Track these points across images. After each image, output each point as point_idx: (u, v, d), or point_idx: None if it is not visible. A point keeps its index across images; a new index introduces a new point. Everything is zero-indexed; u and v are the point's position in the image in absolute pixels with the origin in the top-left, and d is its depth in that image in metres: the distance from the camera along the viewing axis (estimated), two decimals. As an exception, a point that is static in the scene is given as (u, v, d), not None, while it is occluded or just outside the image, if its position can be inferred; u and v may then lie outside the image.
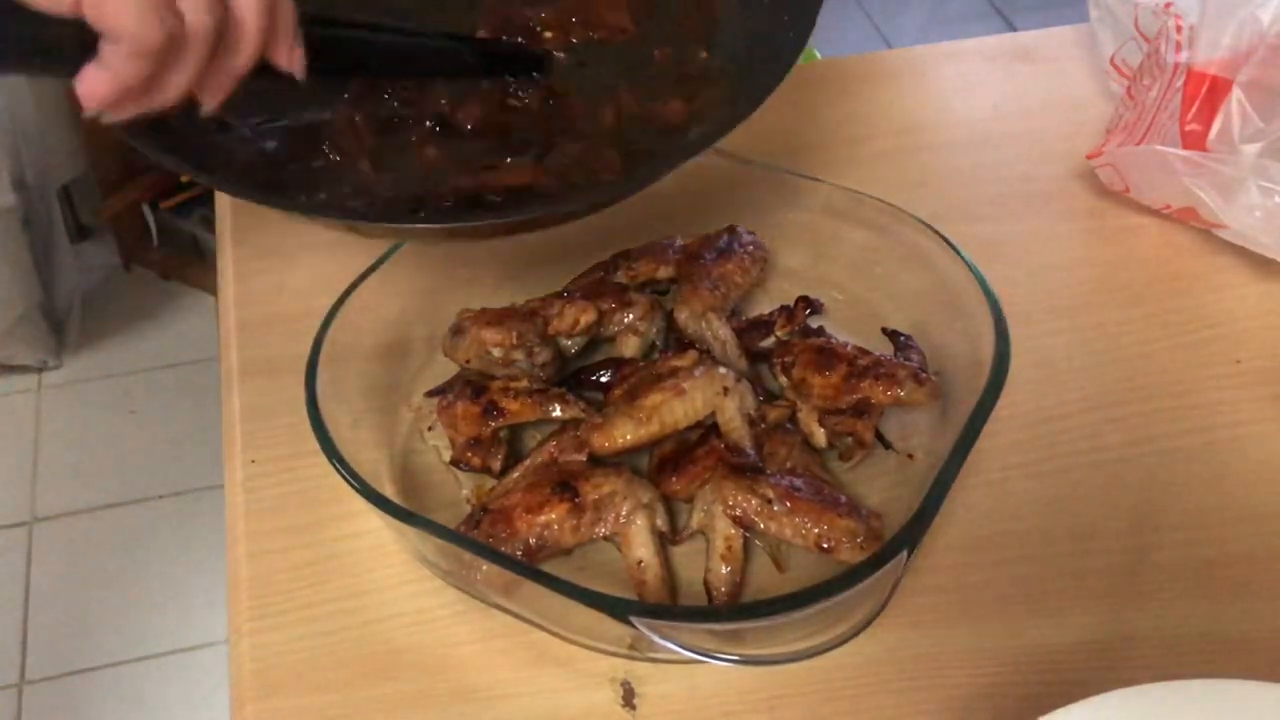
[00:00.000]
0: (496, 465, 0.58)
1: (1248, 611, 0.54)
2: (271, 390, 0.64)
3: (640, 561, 0.54)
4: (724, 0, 0.63)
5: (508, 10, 0.63)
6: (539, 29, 0.63)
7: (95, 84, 0.40)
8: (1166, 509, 0.59)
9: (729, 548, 0.54)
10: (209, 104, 0.44)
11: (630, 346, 0.64)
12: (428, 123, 0.58)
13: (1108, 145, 0.74)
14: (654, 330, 0.64)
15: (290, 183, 0.55)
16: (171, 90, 0.42)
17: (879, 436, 0.59)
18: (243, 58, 0.43)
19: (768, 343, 0.64)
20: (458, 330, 0.61)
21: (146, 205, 2.03)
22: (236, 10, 0.42)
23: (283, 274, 0.71)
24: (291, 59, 0.45)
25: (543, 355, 0.61)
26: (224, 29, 0.42)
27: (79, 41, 0.39)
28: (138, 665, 1.49)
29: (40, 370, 1.83)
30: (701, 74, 0.61)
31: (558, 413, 0.58)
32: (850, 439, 0.59)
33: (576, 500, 0.54)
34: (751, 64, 0.59)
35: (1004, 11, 2.60)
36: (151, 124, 0.46)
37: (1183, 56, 0.70)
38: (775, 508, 0.54)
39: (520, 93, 0.60)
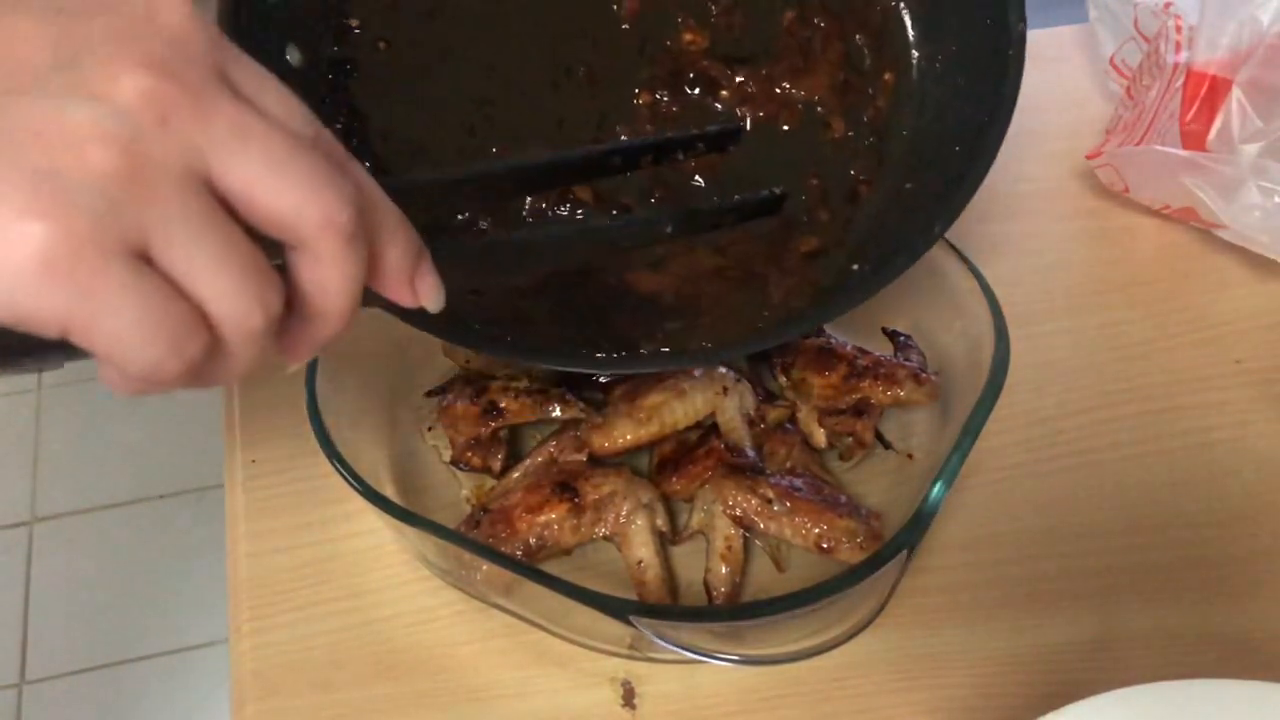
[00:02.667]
0: (496, 465, 0.58)
1: (1248, 611, 0.54)
2: (271, 390, 0.64)
3: (640, 561, 0.54)
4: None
5: (680, 60, 0.58)
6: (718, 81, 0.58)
7: (112, 381, 0.29)
8: (1166, 509, 0.59)
9: (729, 548, 0.54)
10: (291, 365, 0.33)
11: None
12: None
13: (1107, 145, 0.74)
14: None
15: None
16: (222, 377, 0.30)
17: (879, 436, 0.59)
18: (330, 326, 0.31)
19: (767, 343, 0.64)
20: (458, 330, 0.61)
21: (146, 205, 2.03)
22: (304, 281, 0.29)
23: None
24: (417, 294, 0.33)
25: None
26: (294, 303, 0.30)
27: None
28: (138, 665, 1.49)
29: (40, 370, 1.83)
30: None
31: (558, 413, 0.58)
32: (850, 439, 0.59)
33: (576, 500, 0.54)
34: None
35: (1004, 11, 2.60)
36: None
37: (1182, 56, 0.70)
38: (775, 508, 0.54)
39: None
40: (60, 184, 0.25)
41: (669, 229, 0.48)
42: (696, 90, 0.58)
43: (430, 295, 0.33)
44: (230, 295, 0.28)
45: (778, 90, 0.58)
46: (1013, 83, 0.51)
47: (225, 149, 0.27)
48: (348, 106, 0.56)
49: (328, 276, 0.29)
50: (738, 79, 0.58)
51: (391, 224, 0.31)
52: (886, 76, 0.58)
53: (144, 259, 0.26)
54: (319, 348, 0.32)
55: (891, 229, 0.55)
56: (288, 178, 0.28)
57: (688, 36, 0.58)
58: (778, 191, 0.53)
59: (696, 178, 0.57)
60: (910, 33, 0.59)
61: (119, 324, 0.26)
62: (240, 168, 0.28)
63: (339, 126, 0.56)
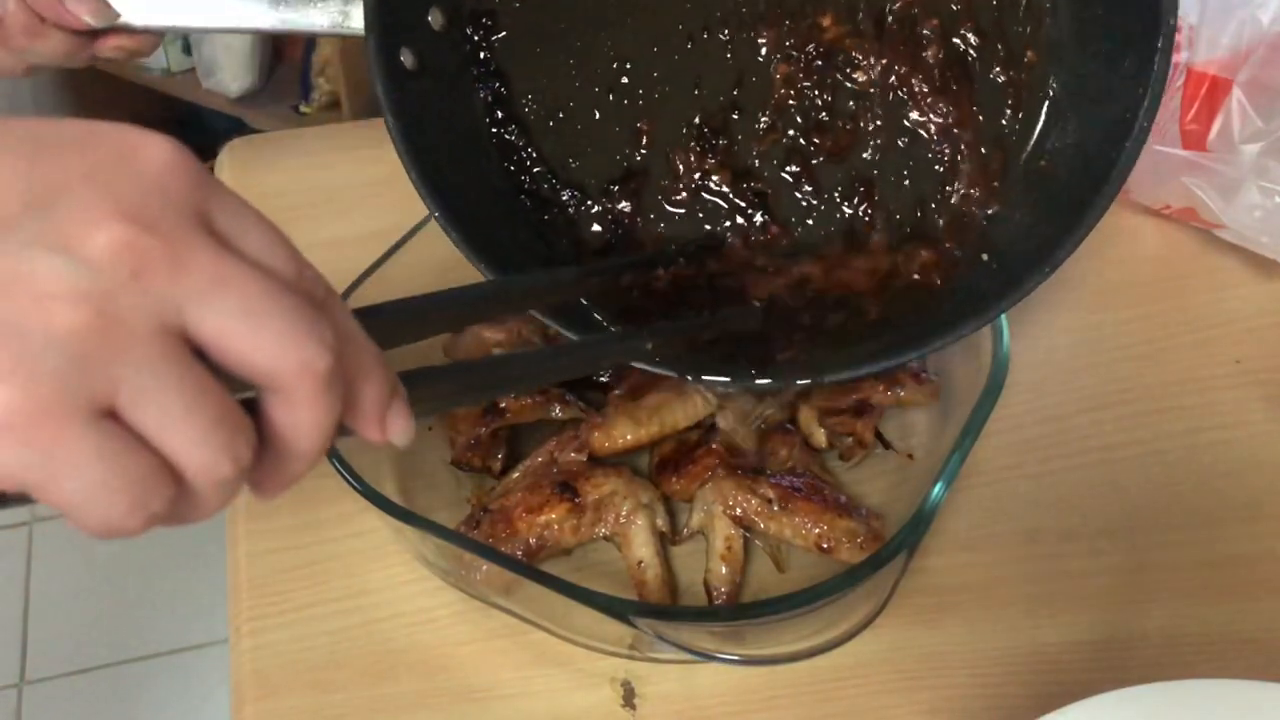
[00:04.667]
0: (496, 465, 0.58)
1: (1248, 611, 0.54)
2: (271, 390, 0.64)
3: (640, 561, 0.54)
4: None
5: (818, 36, 0.57)
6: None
7: (78, 526, 0.27)
8: (1166, 509, 0.59)
9: (729, 548, 0.54)
10: (265, 497, 0.32)
11: None
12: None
13: (1108, 145, 0.74)
14: None
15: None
16: (192, 519, 0.29)
17: (879, 436, 0.59)
18: (302, 464, 0.30)
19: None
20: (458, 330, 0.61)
21: (146, 205, 2.03)
22: (278, 422, 0.29)
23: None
24: (387, 431, 0.32)
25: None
26: (266, 440, 0.29)
27: None
28: (138, 665, 1.49)
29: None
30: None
31: (558, 413, 0.58)
32: (850, 439, 0.59)
33: (576, 500, 0.54)
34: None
35: (1004, 11, 2.60)
36: None
37: (1183, 56, 0.70)
38: (775, 508, 0.54)
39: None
40: (24, 343, 0.24)
41: (649, 346, 0.49)
42: (834, 67, 0.57)
43: (400, 431, 0.33)
44: (199, 448, 0.27)
45: (913, 89, 0.57)
46: (1150, 109, 0.49)
47: (200, 300, 0.27)
48: (489, 68, 0.57)
49: (302, 419, 0.29)
50: (878, 63, 0.57)
51: (368, 364, 0.31)
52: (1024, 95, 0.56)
53: (110, 413, 0.26)
54: (293, 483, 0.31)
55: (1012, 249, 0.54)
56: (265, 327, 0.27)
57: (825, 22, 0.58)
58: (759, 304, 0.54)
59: (816, 160, 0.58)
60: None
61: (79, 484, 0.25)
62: (215, 318, 0.27)
63: (480, 90, 0.57)
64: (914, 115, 0.57)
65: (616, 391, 0.58)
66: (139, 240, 0.26)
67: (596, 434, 0.56)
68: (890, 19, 0.57)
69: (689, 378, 0.51)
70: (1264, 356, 0.66)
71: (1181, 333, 0.68)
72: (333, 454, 0.51)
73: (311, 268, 0.31)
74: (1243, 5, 0.67)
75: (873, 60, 0.57)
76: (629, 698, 0.52)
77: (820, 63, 0.57)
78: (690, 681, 0.52)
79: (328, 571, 0.57)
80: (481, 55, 0.57)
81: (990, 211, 0.56)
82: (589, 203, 0.58)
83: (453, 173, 0.54)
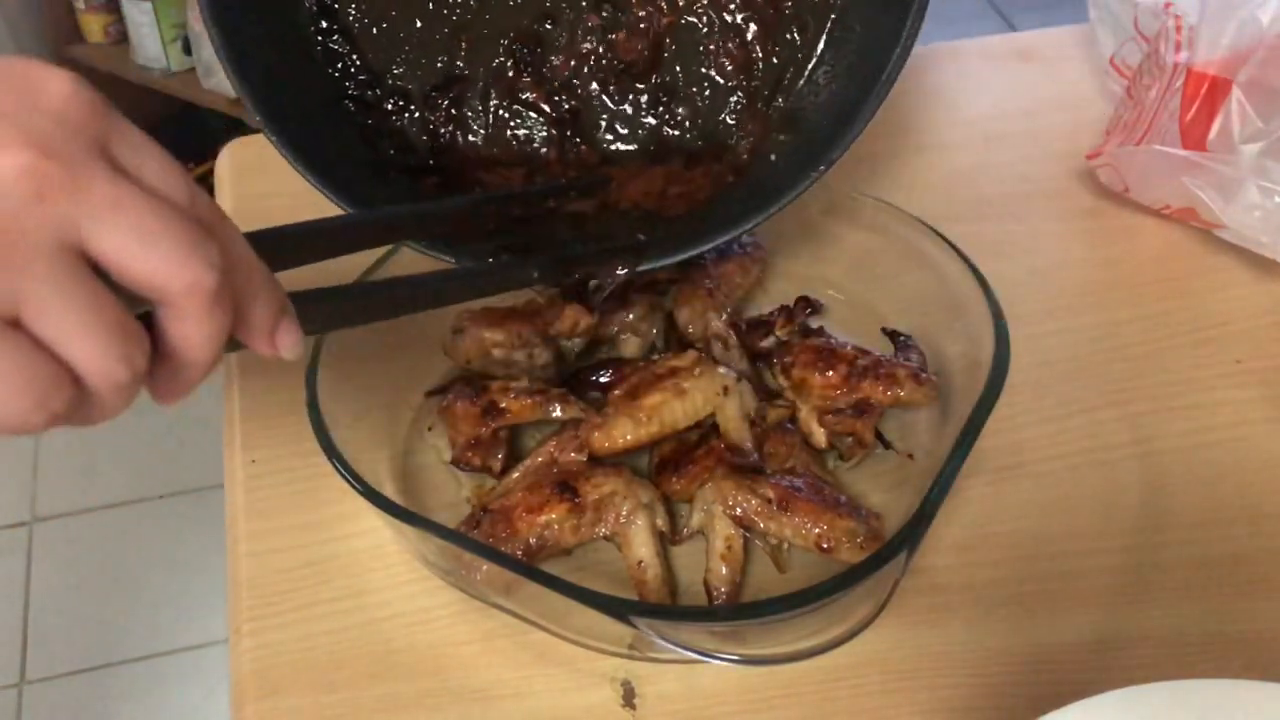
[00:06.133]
0: (496, 465, 0.58)
1: (1248, 611, 0.54)
2: (271, 390, 0.64)
3: (640, 561, 0.54)
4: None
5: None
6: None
7: None
8: (1166, 509, 0.59)
9: (729, 548, 0.54)
10: (163, 402, 0.35)
11: (630, 347, 0.64)
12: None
13: (1107, 145, 0.74)
14: (654, 331, 0.64)
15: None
16: (94, 419, 0.32)
17: (879, 436, 0.59)
18: (196, 372, 0.34)
19: (768, 343, 0.64)
20: (458, 330, 0.61)
21: (146, 205, 2.03)
22: (171, 335, 0.32)
23: (282, 274, 0.71)
24: (277, 347, 0.36)
25: (543, 356, 0.61)
26: (161, 351, 0.32)
27: None
28: (138, 665, 1.49)
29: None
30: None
31: (558, 413, 0.58)
32: (850, 439, 0.59)
33: (576, 500, 0.54)
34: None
35: (1004, 11, 2.61)
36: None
37: (1182, 56, 0.70)
38: (775, 508, 0.54)
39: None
40: None
41: (535, 274, 0.53)
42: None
43: (289, 347, 0.36)
44: (97, 355, 0.30)
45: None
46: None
47: (98, 221, 0.29)
48: None
49: (192, 332, 0.32)
50: None
51: (257, 283, 0.34)
52: None
53: (14, 323, 0.29)
54: (189, 390, 0.34)
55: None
56: (157, 246, 0.30)
57: None
58: (642, 238, 0.58)
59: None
60: None
61: None
62: (111, 237, 0.29)
63: (308, 2, 0.61)
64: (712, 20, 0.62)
65: (616, 391, 0.58)
66: (41, 165, 0.29)
67: (596, 434, 0.56)
68: None
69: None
70: (1264, 356, 0.66)
71: (1181, 333, 0.68)
72: (333, 454, 0.51)
73: (205, 195, 0.33)
74: (1243, 5, 0.67)
75: None
76: (629, 698, 0.52)
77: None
78: (690, 681, 0.52)
79: (328, 571, 0.57)
80: None
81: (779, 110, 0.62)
82: (411, 108, 0.62)
83: (278, 80, 0.57)
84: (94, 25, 1.86)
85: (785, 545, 0.56)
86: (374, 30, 0.62)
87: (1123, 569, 0.56)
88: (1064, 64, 0.86)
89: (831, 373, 0.59)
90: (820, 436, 0.59)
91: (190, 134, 2.00)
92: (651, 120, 0.63)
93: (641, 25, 0.62)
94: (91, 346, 0.30)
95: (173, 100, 1.86)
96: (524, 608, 0.53)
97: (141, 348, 0.31)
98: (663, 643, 0.47)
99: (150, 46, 1.82)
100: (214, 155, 0.80)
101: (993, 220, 0.74)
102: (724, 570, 0.54)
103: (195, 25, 1.76)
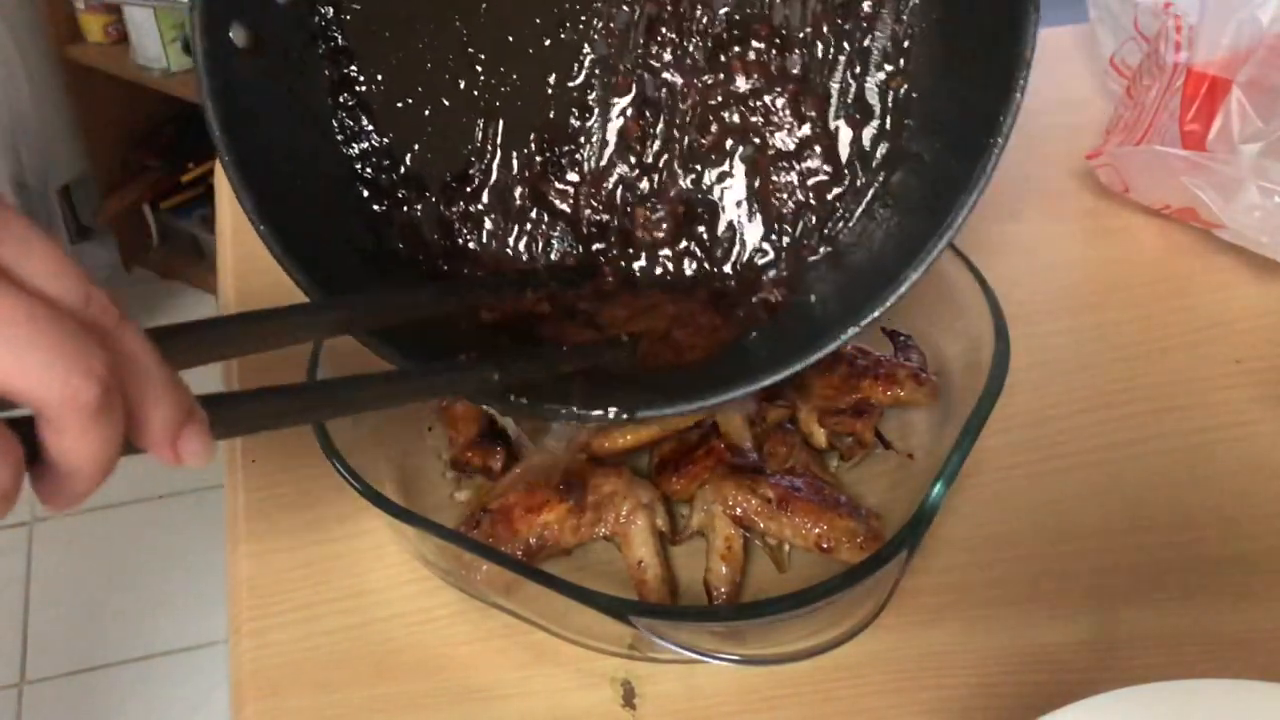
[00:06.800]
0: (496, 465, 0.58)
1: (1248, 611, 0.54)
2: (271, 390, 0.64)
3: (640, 561, 0.54)
4: None
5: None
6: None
7: None
8: (1166, 509, 0.59)
9: (729, 548, 0.54)
10: (53, 509, 0.32)
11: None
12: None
13: (1107, 145, 0.74)
14: None
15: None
16: None
17: (879, 436, 0.59)
18: (84, 483, 0.30)
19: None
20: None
21: (146, 205, 2.03)
22: (49, 446, 0.29)
23: (283, 274, 0.71)
24: (180, 455, 0.32)
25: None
26: (45, 465, 0.30)
27: None
28: (137, 665, 1.49)
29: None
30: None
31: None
32: (850, 439, 0.59)
33: (577, 500, 0.54)
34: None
35: (1004, 11, 2.60)
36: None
37: (1182, 56, 0.70)
38: (775, 508, 0.54)
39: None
40: None
41: (495, 377, 0.47)
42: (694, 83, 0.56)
43: (194, 454, 0.32)
44: None
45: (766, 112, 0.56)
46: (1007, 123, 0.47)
47: None
48: (338, 45, 0.55)
49: (72, 446, 0.29)
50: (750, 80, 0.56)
51: (155, 389, 0.31)
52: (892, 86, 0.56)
53: None
54: (81, 499, 0.31)
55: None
56: (28, 355, 0.27)
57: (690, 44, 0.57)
58: (624, 339, 0.53)
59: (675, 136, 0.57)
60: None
61: None
62: None
63: (326, 69, 0.55)
64: (763, 139, 0.56)
65: (616, 391, 0.58)
66: None
67: (597, 434, 0.56)
68: (744, 45, 0.56)
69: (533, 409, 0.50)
70: (1264, 356, 0.66)
71: (1181, 333, 0.68)
72: (332, 454, 0.51)
73: (100, 294, 0.30)
74: (1243, 5, 0.67)
75: (742, 80, 0.56)
76: (629, 698, 0.52)
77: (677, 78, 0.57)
78: (690, 681, 0.52)
79: (328, 571, 0.57)
80: (331, 32, 0.55)
81: (825, 251, 0.55)
82: (427, 195, 0.56)
83: (281, 163, 0.52)
84: (94, 25, 1.86)
85: (785, 546, 0.56)
86: (396, 107, 0.56)
87: (1123, 569, 0.56)
88: (1064, 64, 0.86)
89: (831, 373, 0.59)
90: (820, 436, 0.59)
91: (190, 134, 2.00)
92: (685, 245, 0.57)
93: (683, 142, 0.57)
94: None
95: (173, 100, 1.86)
96: (524, 608, 0.53)
97: (10, 464, 0.28)
98: (663, 643, 0.47)
99: (150, 46, 1.82)
100: (214, 155, 0.80)
101: (993, 220, 0.74)
102: (724, 570, 0.54)
103: (195, 25, 1.76)
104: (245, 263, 0.72)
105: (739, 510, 0.54)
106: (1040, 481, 0.60)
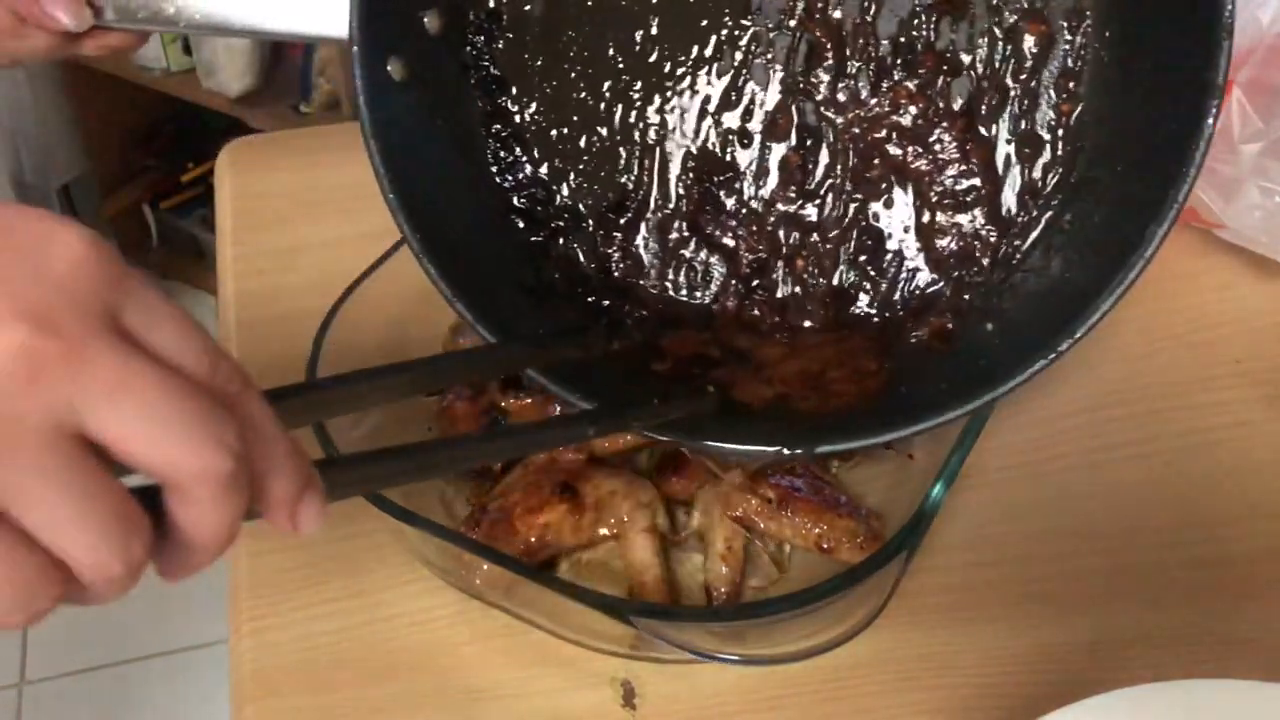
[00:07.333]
0: (496, 465, 0.58)
1: (1248, 611, 0.54)
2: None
3: (640, 562, 0.54)
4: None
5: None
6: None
7: None
8: (1166, 509, 0.59)
9: (729, 548, 0.54)
10: (170, 580, 0.32)
11: None
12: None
13: (1108, 145, 0.74)
14: None
15: None
16: (90, 604, 0.29)
17: (879, 436, 0.59)
18: (205, 556, 0.30)
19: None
20: (458, 330, 0.61)
21: (146, 205, 2.03)
22: (178, 518, 0.29)
23: (282, 274, 0.71)
24: (298, 523, 0.32)
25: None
26: (168, 530, 0.29)
27: None
28: (138, 665, 1.49)
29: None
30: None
31: (558, 413, 0.58)
32: (850, 439, 0.59)
33: (576, 500, 0.54)
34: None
35: (1004, 11, 2.60)
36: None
37: (1183, 56, 0.70)
38: (775, 508, 0.54)
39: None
40: None
41: (591, 432, 0.46)
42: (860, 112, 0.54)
43: (309, 522, 0.32)
44: (90, 549, 0.27)
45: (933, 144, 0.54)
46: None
47: (99, 403, 0.26)
48: (490, 74, 0.55)
49: (202, 519, 0.29)
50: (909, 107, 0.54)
51: (279, 459, 0.31)
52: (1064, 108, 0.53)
53: (2, 514, 0.26)
54: (198, 570, 0.31)
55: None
56: (164, 431, 0.27)
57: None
58: (711, 390, 0.51)
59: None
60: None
61: None
62: (114, 421, 0.27)
63: (479, 99, 0.55)
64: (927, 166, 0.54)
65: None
66: (38, 343, 0.26)
67: (596, 434, 0.56)
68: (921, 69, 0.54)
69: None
70: (1264, 356, 0.66)
71: (1181, 333, 0.68)
72: (332, 453, 0.51)
73: (227, 361, 0.30)
74: (1243, 5, 0.67)
75: (906, 106, 0.54)
76: (629, 698, 0.52)
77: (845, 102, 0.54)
78: (690, 681, 0.52)
79: (328, 571, 0.57)
80: (483, 61, 0.55)
81: (1000, 279, 0.53)
82: (584, 226, 0.56)
83: (439, 198, 0.52)
84: (94, 25, 1.86)
85: (786, 547, 0.56)
86: (549, 136, 0.55)
87: (1123, 569, 0.56)
88: (1064, 64, 0.86)
89: (831, 373, 0.59)
90: (820, 436, 0.59)
91: (190, 134, 2.00)
92: (850, 276, 0.54)
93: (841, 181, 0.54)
94: (84, 541, 0.27)
95: (173, 100, 1.86)
96: (524, 608, 0.53)
97: (142, 538, 0.28)
98: (663, 643, 0.47)
99: (150, 46, 1.82)
100: (214, 155, 0.80)
101: (993, 220, 0.74)
102: (724, 570, 0.54)
103: (195, 25, 1.76)
104: (244, 263, 0.72)
105: (739, 510, 0.54)
106: (1040, 481, 0.60)
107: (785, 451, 0.48)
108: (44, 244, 0.27)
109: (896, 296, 0.54)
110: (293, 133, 0.96)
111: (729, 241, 0.56)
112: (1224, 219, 0.68)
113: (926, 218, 0.54)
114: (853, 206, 0.55)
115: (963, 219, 0.54)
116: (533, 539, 0.53)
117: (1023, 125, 0.53)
